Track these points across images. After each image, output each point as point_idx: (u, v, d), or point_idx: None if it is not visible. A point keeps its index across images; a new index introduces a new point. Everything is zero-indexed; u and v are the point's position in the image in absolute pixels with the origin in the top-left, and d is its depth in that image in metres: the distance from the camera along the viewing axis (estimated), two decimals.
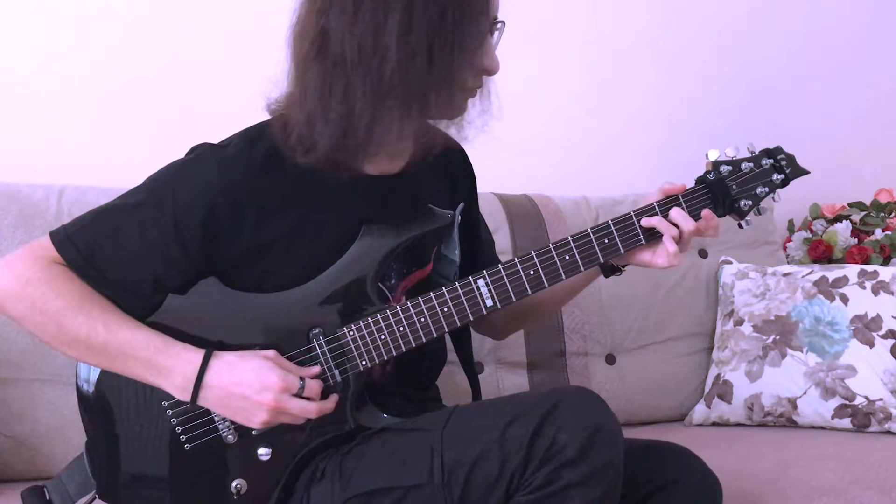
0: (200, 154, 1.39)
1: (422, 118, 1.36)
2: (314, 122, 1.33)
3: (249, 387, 1.31)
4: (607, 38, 2.63)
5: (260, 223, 1.37)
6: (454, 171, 1.58)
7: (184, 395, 1.32)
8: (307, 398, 1.34)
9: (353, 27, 1.29)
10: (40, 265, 1.34)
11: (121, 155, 2.14)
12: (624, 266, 1.51)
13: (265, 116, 1.43)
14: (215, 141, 1.41)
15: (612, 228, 1.43)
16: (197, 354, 1.32)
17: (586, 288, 2.26)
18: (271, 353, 1.35)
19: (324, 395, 1.37)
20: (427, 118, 1.38)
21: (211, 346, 1.35)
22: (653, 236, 1.45)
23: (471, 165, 1.62)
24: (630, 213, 1.45)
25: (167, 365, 1.32)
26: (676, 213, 1.44)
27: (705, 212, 1.46)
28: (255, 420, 1.32)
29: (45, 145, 2.11)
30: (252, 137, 1.40)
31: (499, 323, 1.69)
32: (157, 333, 1.34)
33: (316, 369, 1.37)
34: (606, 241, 1.43)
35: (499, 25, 1.36)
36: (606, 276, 1.54)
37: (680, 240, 1.44)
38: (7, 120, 2.09)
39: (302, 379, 1.33)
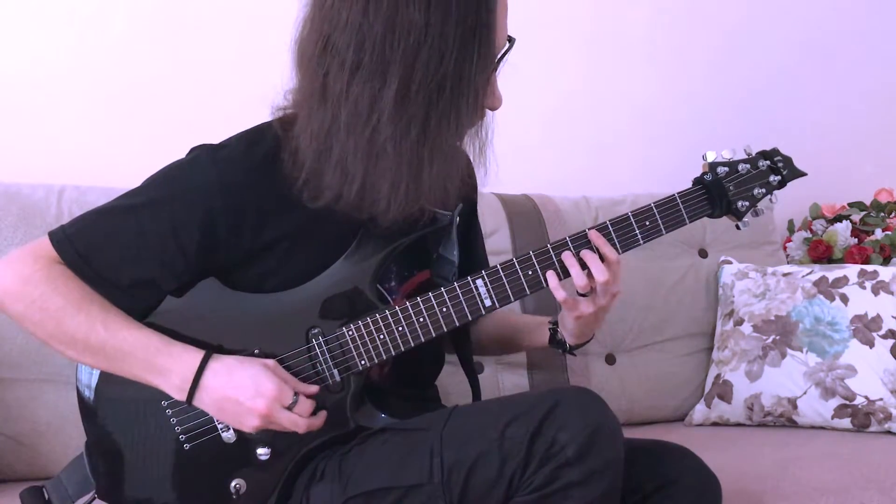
0: (198, 155, 1.39)
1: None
2: (322, 171, 1.32)
3: (244, 392, 1.31)
4: (607, 37, 2.63)
5: (260, 224, 1.37)
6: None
7: (180, 395, 1.32)
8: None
9: (350, 87, 1.27)
10: (41, 264, 1.34)
11: (121, 155, 2.13)
12: (574, 347, 1.52)
13: (266, 117, 1.42)
14: (215, 142, 1.40)
15: (610, 229, 1.43)
16: (196, 355, 1.32)
17: None
18: (271, 362, 1.35)
19: (322, 403, 1.37)
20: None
21: (210, 347, 1.35)
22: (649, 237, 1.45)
23: (474, 171, 1.61)
24: (627, 213, 1.45)
25: (166, 365, 1.32)
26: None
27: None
28: (246, 425, 1.32)
29: (45, 145, 2.11)
30: (252, 139, 1.39)
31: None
32: (156, 334, 1.34)
33: (314, 389, 1.36)
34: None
35: (506, 53, 1.33)
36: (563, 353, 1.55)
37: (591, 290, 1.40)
38: (7, 120, 2.09)
39: (296, 394, 1.33)
